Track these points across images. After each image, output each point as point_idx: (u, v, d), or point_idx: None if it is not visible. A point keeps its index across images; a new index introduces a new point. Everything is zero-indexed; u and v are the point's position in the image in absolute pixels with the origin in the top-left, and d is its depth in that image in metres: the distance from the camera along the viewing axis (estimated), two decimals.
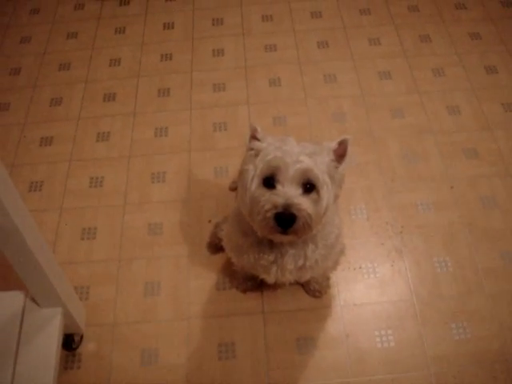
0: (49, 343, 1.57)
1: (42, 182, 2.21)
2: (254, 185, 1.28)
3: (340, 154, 1.32)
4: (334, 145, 1.32)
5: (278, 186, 1.25)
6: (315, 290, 1.84)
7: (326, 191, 1.27)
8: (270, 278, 1.54)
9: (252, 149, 1.33)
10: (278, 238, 1.33)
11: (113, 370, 1.76)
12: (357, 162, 2.18)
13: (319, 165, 1.26)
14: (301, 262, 1.45)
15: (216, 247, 1.95)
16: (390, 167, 2.19)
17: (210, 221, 2.05)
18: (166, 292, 1.91)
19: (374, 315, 1.83)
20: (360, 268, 1.93)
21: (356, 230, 2.03)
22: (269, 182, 1.26)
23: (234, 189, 2.09)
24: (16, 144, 2.34)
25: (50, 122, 2.42)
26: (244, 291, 1.88)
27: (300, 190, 1.25)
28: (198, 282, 1.92)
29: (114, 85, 2.56)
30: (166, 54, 2.67)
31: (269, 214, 1.23)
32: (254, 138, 1.34)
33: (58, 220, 2.10)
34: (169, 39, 2.74)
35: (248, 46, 2.68)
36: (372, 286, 1.90)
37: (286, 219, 1.22)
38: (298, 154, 1.25)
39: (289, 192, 1.23)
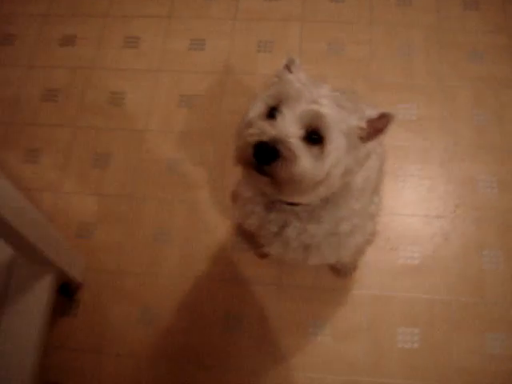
0: (37, 300, 1.50)
1: (57, 90, 1.98)
2: (256, 109, 1.05)
3: (376, 128, 1.03)
4: (372, 113, 1.03)
5: (279, 118, 1.00)
6: (340, 268, 1.63)
7: (335, 150, 1.00)
8: (273, 252, 1.32)
9: (277, 76, 1.09)
10: (252, 174, 1.05)
11: (108, 323, 1.65)
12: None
13: (339, 121, 1.00)
14: (303, 238, 1.22)
15: None
16: (455, 127, 1.85)
17: None
18: (176, 243, 1.73)
19: (402, 310, 1.61)
20: (396, 249, 1.69)
21: (401, 201, 1.75)
22: (273, 113, 1.02)
23: None
24: (35, 40, 2.07)
25: (75, 17, 2.12)
26: (262, 257, 1.69)
27: (301, 132, 1.00)
28: (212, 237, 1.73)
29: None
30: None
31: (250, 139, 0.99)
32: (288, 69, 1.09)
33: (70, 140, 1.89)
34: None
35: None
36: (406, 273, 1.66)
37: (265, 151, 0.97)
38: (321, 95, 0.99)
39: (287, 127, 0.98)
